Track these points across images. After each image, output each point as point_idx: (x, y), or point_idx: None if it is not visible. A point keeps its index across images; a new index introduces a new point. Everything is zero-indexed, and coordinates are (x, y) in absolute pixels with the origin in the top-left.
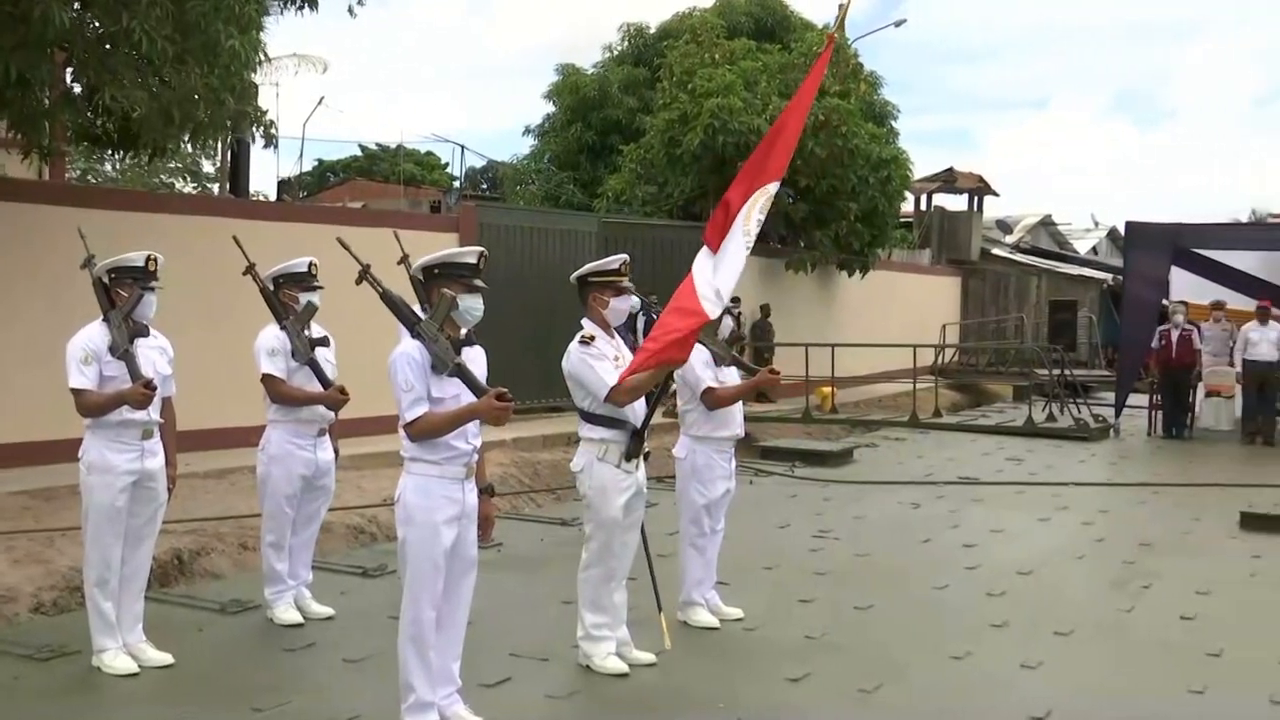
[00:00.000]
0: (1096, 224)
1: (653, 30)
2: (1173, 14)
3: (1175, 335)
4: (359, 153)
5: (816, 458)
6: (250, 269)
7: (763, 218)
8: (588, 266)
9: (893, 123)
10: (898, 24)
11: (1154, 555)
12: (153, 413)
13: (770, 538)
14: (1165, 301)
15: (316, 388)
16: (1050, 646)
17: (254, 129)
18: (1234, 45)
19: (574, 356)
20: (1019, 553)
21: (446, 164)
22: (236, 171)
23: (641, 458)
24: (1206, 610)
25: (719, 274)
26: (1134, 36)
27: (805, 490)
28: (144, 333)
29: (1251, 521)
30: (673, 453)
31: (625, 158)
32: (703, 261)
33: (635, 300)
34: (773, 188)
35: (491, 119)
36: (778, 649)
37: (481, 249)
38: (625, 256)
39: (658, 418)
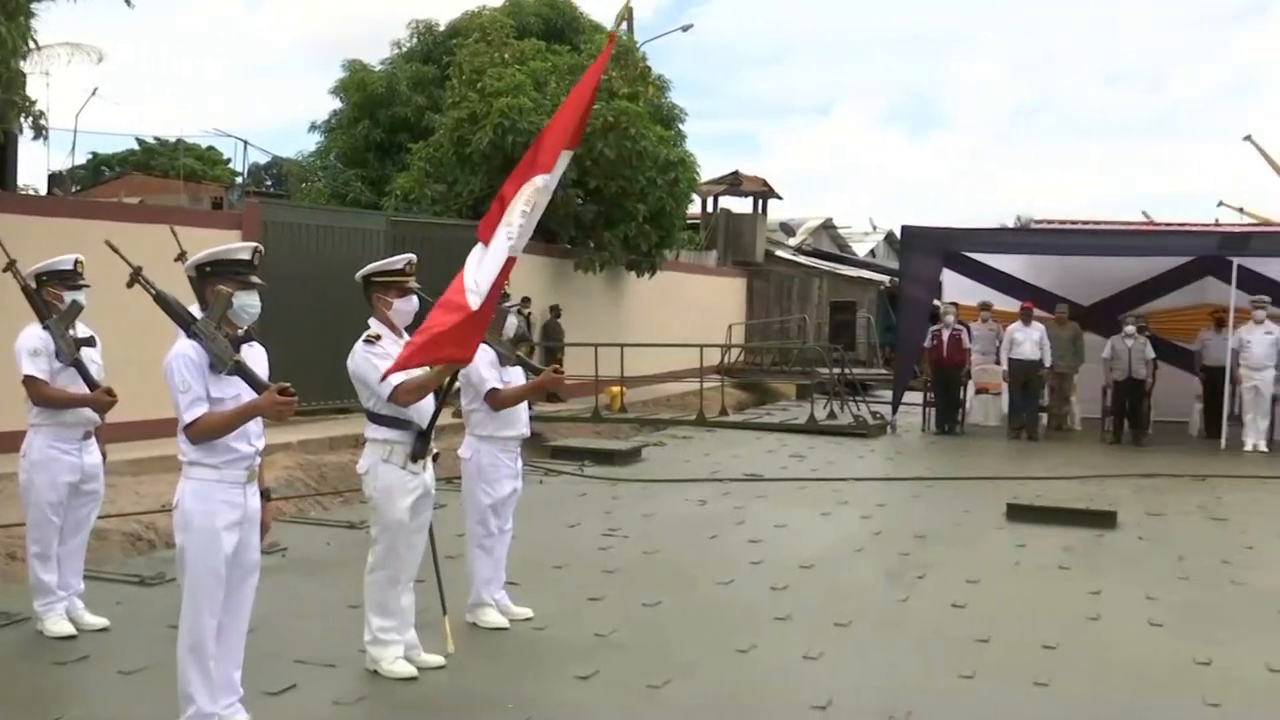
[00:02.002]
0: (874, 227)
1: (442, 28)
2: (943, 26)
3: (946, 335)
4: (136, 147)
5: (606, 457)
6: (10, 265)
7: (528, 209)
8: (372, 266)
9: (680, 126)
10: (685, 28)
11: (928, 546)
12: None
13: (560, 537)
14: (937, 302)
15: (82, 389)
16: (831, 637)
17: (22, 119)
18: (999, 58)
19: (358, 356)
20: (801, 547)
21: (229, 160)
22: (3, 164)
23: (429, 459)
24: (976, 598)
25: (483, 267)
26: (909, 47)
27: (594, 489)
28: (91, 343)
29: (1016, 512)
30: (458, 454)
31: (414, 156)
32: (474, 255)
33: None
34: (540, 180)
35: (276, 114)
36: (567, 648)
37: (256, 244)
38: (411, 256)
39: (446, 418)
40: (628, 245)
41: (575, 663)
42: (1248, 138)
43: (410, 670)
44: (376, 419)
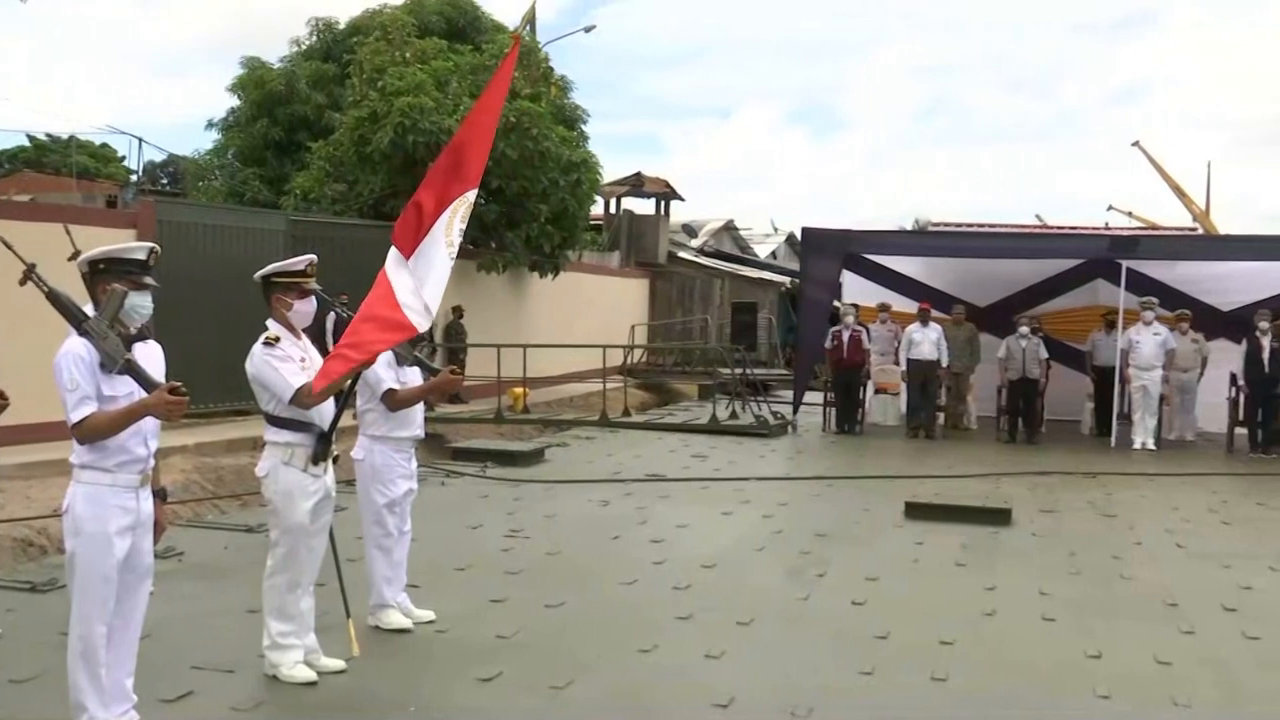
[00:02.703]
0: (776, 229)
1: (342, 26)
2: (844, 31)
3: (846, 336)
4: (27, 143)
5: (508, 458)
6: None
7: (464, 226)
8: (271, 266)
9: (583, 127)
10: (588, 29)
11: (828, 545)
12: None
13: (462, 538)
14: (837, 303)
15: None
16: (733, 636)
17: None
18: (898, 62)
19: (257, 358)
20: (703, 546)
21: (124, 157)
22: None
23: (330, 461)
24: (875, 596)
25: (427, 286)
26: (811, 51)
27: (497, 490)
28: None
29: (914, 510)
30: (351, 455)
31: (314, 155)
32: (397, 268)
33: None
34: (472, 195)
35: (173, 111)
36: (470, 649)
37: (152, 245)
38: (312, 257)
39: (346, 419)
40: (530, 246)
41: (478, 664)
42: (1136, 144)
43: (310, 675)
44: (276, 421)
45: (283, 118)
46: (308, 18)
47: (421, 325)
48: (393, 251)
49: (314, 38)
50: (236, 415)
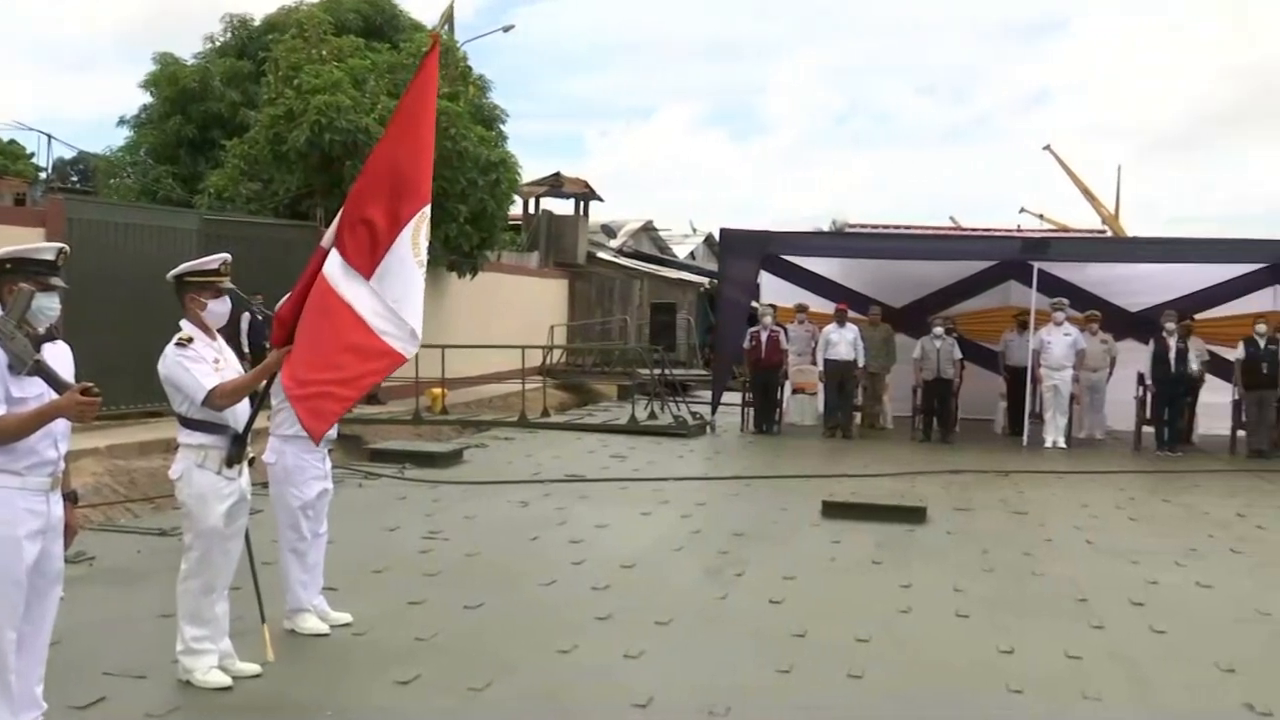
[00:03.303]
0: (695, 230)
1: (257, 22)
2: (763, 34)
3: (764, 336)
4: None
5: (426, 459)
6: None
7: (427, 243)
8: (184, 266)
9: (501, 126)
10: (506, 29)
11: (746, 544)
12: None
13: (379, 540)
14: (755, 304)
15: None
16: (652, 636)
17: None
18: (816, 65)
19: (170, 359)
20: (622, 547)
21: (33, 154)
22: None
23: (245, 463)
24: (792, 595)
25: (408, 311)
26: (730, 53)
27: (415, 492)
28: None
29: (831, 509)
30: (263, 458)
31: (228, 153)
32: (355, 286)
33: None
34: (427, 210)
35: (83, 108)
36: (387, 652)
37: (61, 245)
38: (225, 256)
39: (263, 420)
40: (449, 246)
41: (395, 667)
42: (1047, 147)
43: (225, 680)
44: (190, 423)
45: (196, 115)
46: (222, 14)
47: (408, 352)
48: (341, 267)
49: (228, 34)
50: (149, 417)
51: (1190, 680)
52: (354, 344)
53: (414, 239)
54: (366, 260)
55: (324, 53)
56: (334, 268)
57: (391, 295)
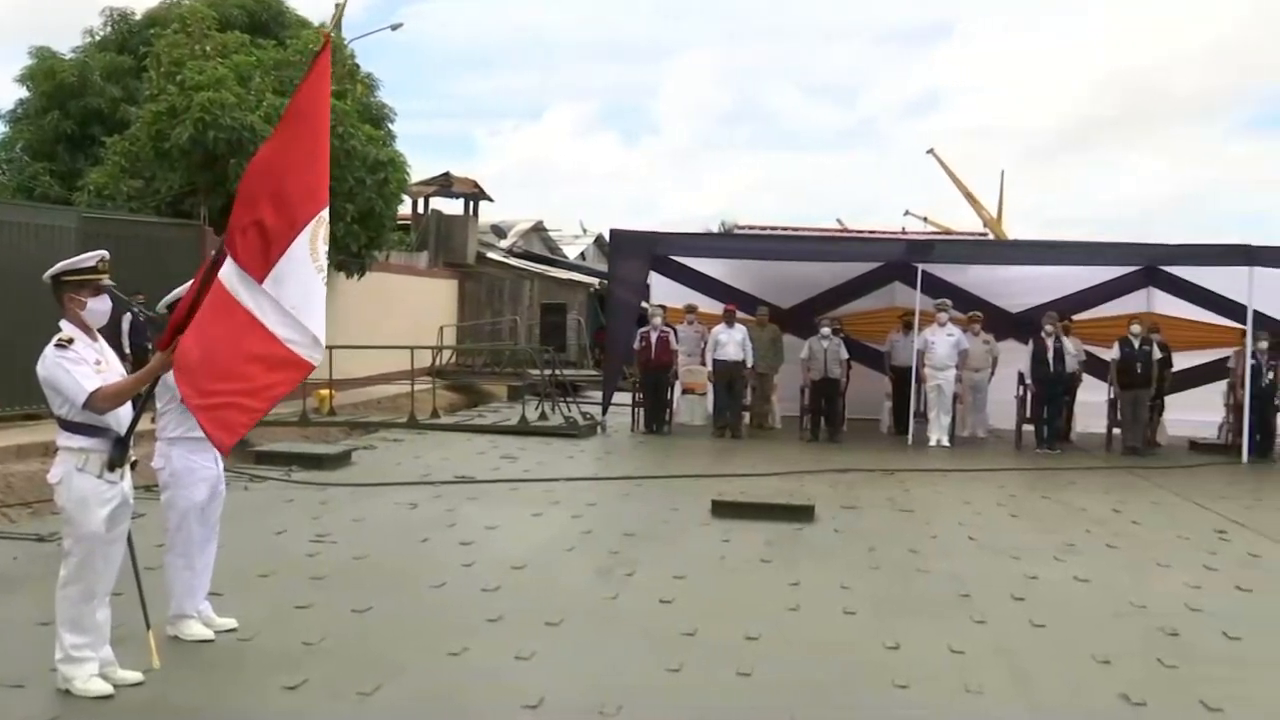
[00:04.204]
0: (585, 230)
1: (139, 17)
2: (653, 35)
3: (654, 337)
4: None
5: (314, 461)
6: None
7: (327, 247)
8: (61, 264)
9: (390, 125)
10: (394, 27)
11: (636, 544)
12: None
13: (266, 544)
14: (645, 305)
15: None
16: (543, 637)
17: None
18: (707, 67)
19: (49, 361)
20: (513, 548)
21: None
22: None
23: (127, 467)
24: (683, 594)
25: (308, 315)
26: (619, 55)
27: (302, 494)
28: None
29: (721, 509)
30: (151, 463)
31: (109, 150)
32: (251, 293)
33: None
34: (325, 214)
35: None
36: (274, 657)
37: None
38: (103, 253)
39: (145, 423)
40: (336, 245)
41: (283, 672)
42: (930, 151)
43: (106, 688)
44: (70, 426)
45: (75, 111)
46: (101, 7)
47: (315, 359)
48: (236, 272)
49: (108, 28)
50: (27, 419)
51: (1068, 672)
52: (260, 353)
53: (312, 243)
54: (259, 263)
55: (208, 48)
56: (230, 273)
57: (290, 301)
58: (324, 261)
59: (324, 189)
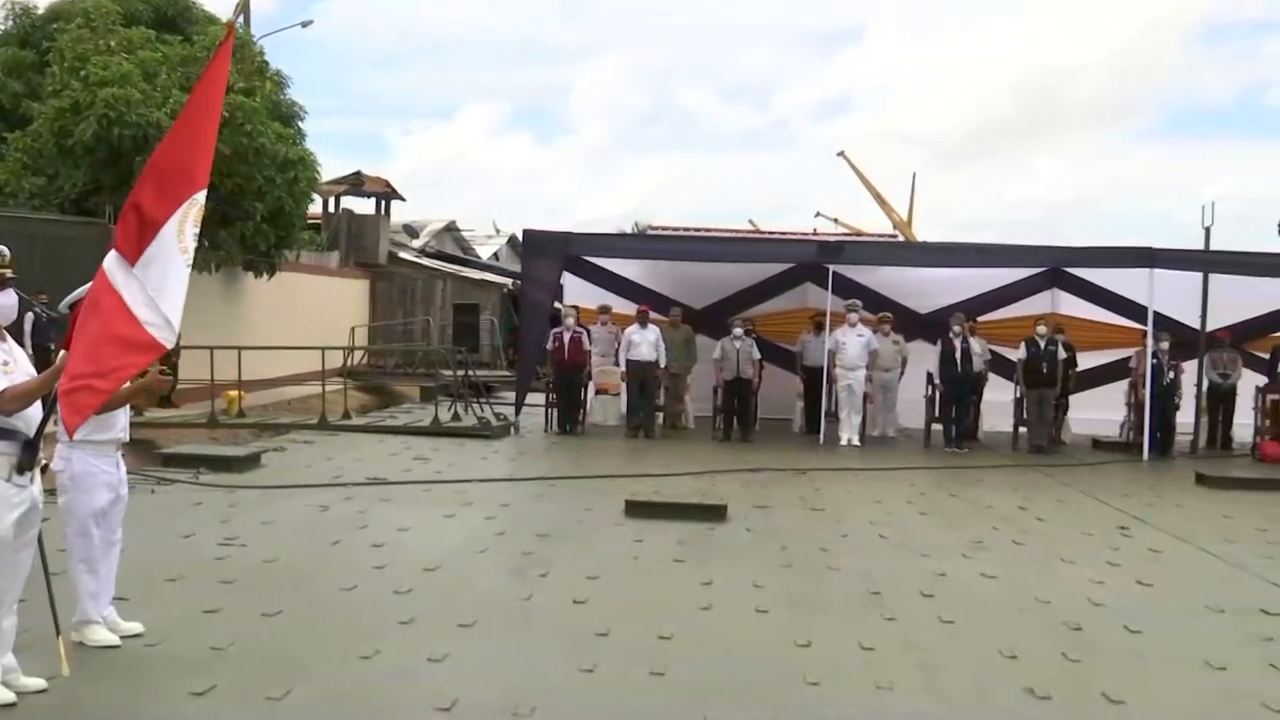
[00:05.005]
0: (498, 231)
1: (41, 11)
2: (567, 35)
3: (568, 337)
4: None
5: (222, 463)
6: None
7: (197, 230)
8: None
9: (300, 124)
10: (304, 24)
11: (550, 545)
12: None
13: (173, 548)
14: (558, 305)
15: None
16: (456, 638)
17: None
18: (621, 67)
19: None
20: (426, 549)
21: None
22: None
23: (37, 470)
24: (596, 594)
25: (165, 300)
26: (534, 54)
27: (211, 497)
28: None
29: (634, 509)
30: (51, 465)
31: (10, 146)
32: (125, 277)
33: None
34: (201, 196)
35: None
36: (182, 663)
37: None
38: (3, 249)
39: (54, 425)
40: (245, 245)
41: (191, 678)
42: (841, 153)
43: (9, 696)
44: None
45: None
46: (3, 1)
47: (168, 341)
48: (115, 257)
49: (9, 22)
50: None
51: (976, 667)
52: (118, 335)
53: (180, 224)
54: (133, 246)
55: (113, 44)
56: (110, 259)
57: (152, 284)
58: (190, 244)
59: (204, 172)
